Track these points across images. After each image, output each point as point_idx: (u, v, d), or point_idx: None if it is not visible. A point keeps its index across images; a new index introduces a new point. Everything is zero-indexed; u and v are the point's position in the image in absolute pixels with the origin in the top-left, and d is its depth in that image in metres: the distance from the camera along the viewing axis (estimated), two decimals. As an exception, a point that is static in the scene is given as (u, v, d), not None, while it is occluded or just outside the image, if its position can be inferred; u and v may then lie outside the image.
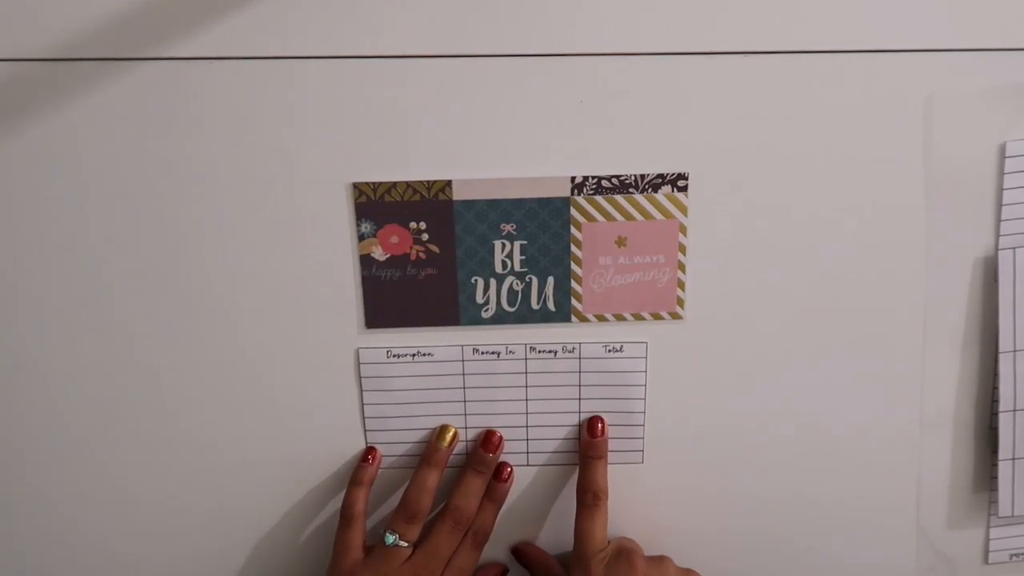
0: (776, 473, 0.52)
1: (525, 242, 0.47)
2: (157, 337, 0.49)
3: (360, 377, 0.50)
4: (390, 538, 0.48)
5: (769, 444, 0.52)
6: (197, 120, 0.45)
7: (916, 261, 0.49)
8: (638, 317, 0.49)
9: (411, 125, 0.45)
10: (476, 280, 0.48)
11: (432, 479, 0.49)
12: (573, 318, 0.49)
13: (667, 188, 0.47)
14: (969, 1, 0.44)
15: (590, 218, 0.47)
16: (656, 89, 0.45)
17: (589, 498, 0.49)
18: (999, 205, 0.48)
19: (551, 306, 0.49)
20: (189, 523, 0.52)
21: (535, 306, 0.49)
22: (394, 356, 0.49)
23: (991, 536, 0.53)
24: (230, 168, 0.46)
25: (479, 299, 0.48)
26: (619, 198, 0.47)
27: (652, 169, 0.46)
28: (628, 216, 0.47)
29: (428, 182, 0.46)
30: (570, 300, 0.49)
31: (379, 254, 0.47)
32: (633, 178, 0.46)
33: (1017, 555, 0.54)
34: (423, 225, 0.47)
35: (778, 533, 0.52)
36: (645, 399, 0.50)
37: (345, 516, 0.49)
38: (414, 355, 0.49)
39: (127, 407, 0.50)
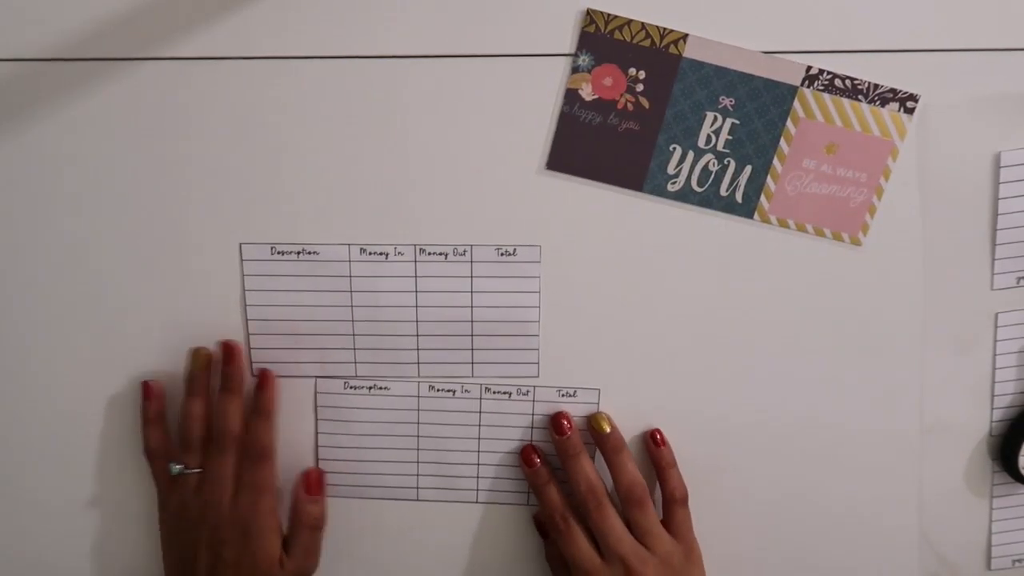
0: (776, 478, 0.51)
1: (737, 121, 0.45)
2: (156, 336, 0.48)
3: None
4: (174, 468, 0.47)
5: (768, 448, 0.51)
6: (197, 120, 0.45)
7: (915, 263, 0.48)
8: (819, 232, 0.47)
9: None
10: (674, 148, 0.46)
11: (196, 406, 0.48)
12: (756, 216, 0.47)
13: (894, 105, 0.45)
14: (969, 2, 0.44)
15: (810, 114, 0.45)
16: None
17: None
18: (995, 214, 0.48)
19: (738, 197, 0.47)
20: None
21: (723, 192, 0.46)
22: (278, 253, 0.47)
23: (993, 542, 0.53)
24: (229, 168, 0.46)
25: (670, 169, 0.46)
26: (845, 101, 0.45)
27: (888, 82, 0.44)
28: (847, 123, 0.45)
29: (664, 29, 0.43)
30: (759, 196, 0.47)
31: (587, 92, 0.45)
32: (867, 85, 0.44)
33: (1020, 560, 0.54)
34: (642, 75, 0.44)
35: (778, 538, 0.51)
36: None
37: (146, 455, 0.49)
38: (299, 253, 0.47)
39: (123, 405, 0.49)
